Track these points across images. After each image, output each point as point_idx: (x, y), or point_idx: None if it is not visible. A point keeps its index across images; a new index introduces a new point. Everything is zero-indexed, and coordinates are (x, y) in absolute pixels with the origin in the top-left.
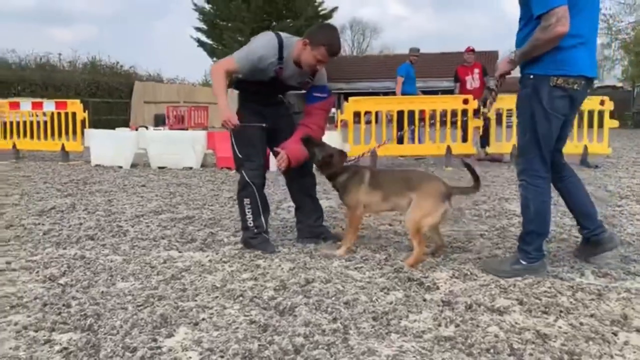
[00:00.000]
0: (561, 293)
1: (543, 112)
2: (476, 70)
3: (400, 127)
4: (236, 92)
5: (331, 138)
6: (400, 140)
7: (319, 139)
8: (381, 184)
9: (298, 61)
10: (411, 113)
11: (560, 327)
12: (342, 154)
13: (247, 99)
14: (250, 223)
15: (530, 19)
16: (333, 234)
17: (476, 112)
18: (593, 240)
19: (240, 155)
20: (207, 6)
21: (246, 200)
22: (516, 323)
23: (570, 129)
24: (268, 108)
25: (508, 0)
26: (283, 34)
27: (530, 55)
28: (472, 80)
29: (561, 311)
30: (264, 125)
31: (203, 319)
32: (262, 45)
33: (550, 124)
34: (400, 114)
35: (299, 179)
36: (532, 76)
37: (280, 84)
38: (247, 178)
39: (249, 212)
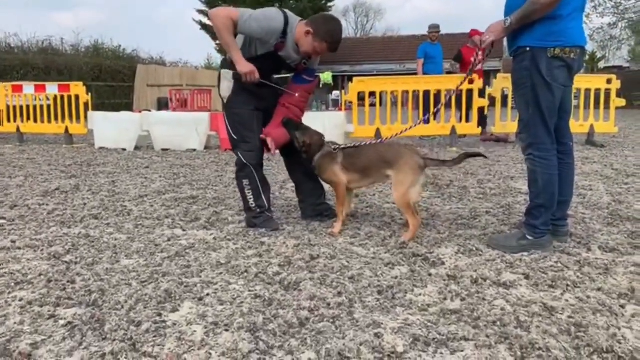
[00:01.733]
0: (568, 267)
1: (544, 83)
2: (480, 53)
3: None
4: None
5: (336, 119)
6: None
7: (298, 119)
8: (357, 161)
9: (297, 43)
10: (416, 93)
11: (567, 301)
12: (320, 136)
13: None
14: (252, 204)
15: None
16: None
17: (481, 92)
18: (552, 227)
19: (235, 137)
20: None
21: (245, 182)
22: (522, 297)
23: (571, 100)
24: (264, 90)
25: None
26: (288, 12)
27: (528, 20)
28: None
29: (568, 285)
30: (255, 108)
31: (207, 294)
32: (270, 17)
33: (553, 95)
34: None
35: (297, 159)
36: (528, 49)
37: (276, 62)
38: (243, 159)
39: (249, 192)
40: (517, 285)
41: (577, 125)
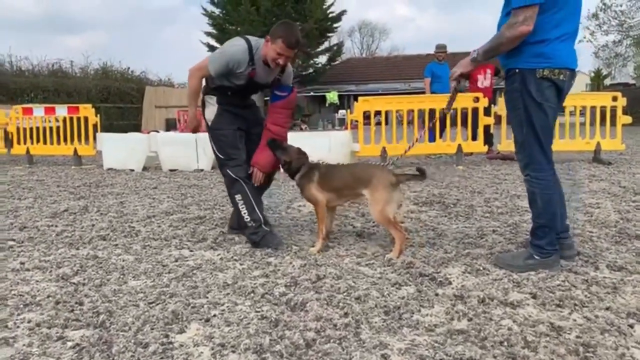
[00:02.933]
0: (575, 286)
1: (535, 104)
2: (488, 71)
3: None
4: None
5: (341, 138)
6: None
7: (282, 138)
8: (331, 181)
9: (265, 60)
10: (421, 112)
11: (575, 320)
12: (302, 153)
13: (224, 103)
14: (247, 218)
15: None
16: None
17: (487, 110)
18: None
19: (221, 156)
20: (217, 11)
21: (237, 197)
22: (530, 316)
23: (555, 123)
24: (245, 110)
25: None
26: (252, 38)
27: (495, 53)
28: (484, 79)
29: (576, 304)
30: (238, 128)
31: (214, 315)
32: (234, 51)
33: (546, 114)
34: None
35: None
36: (518, 70)
37: (253, 85)
38: (232, 175)
39: (242, 207)
40: (524, 305)
41: (584, 143)
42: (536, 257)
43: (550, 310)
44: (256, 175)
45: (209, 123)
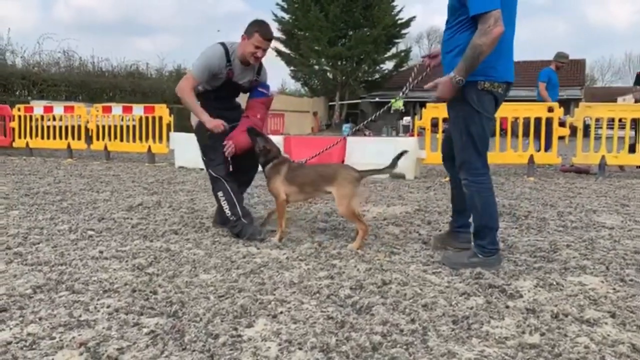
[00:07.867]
0: None
1: (475, 114)
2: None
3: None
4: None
5: (407, 145)
6: None
7: (260, 129)
8: (298, 177)
9: (243, 59)
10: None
11: None
12: (277, 148)
13: (208, 106)
14: (228, 213)
15: (460, 23)
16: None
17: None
18: (453, 234)
19: (204, 158)
20: (286, 16)
21: (219, 193)
22: (608, 335)
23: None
24: (228, 112)
25: (590, 6)
26: (227, 42)
27: (476, 64)
28: None
29: None
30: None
31: (281, 312)
32: (212, 55)
33: (483, 125)
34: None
35: (239, 172)
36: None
37: (233, 86)
38: (214, 173)
39: (224, 203)
40: (602, 324)
41: None
42: (479, 255)
43: (631, 331)
44: (230, 147)
45: (195, 127)
